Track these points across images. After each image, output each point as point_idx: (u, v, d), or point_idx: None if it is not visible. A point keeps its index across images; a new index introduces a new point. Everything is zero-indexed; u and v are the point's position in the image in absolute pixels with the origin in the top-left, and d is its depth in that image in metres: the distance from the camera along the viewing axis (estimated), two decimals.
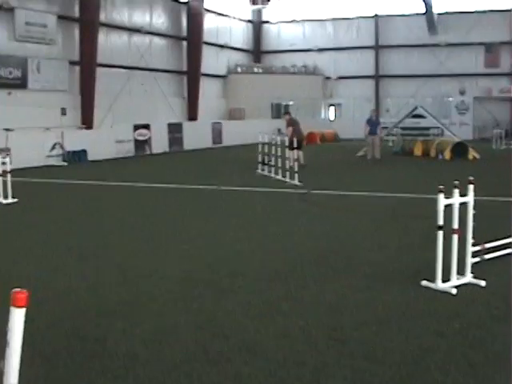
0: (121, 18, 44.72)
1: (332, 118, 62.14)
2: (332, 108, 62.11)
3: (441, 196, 8.87)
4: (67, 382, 6.22)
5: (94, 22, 39.47)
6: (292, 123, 28.47)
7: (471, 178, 9.27)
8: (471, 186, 9.29)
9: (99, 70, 40.60)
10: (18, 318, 3.42)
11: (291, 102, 58.02)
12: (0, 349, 3.61)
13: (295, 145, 26.18)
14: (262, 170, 25.66)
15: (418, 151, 34.56)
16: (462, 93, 54.74)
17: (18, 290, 3.44)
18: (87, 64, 39.79)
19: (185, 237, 13.53)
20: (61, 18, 38.84)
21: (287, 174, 23.02)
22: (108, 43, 43.32)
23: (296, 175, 22.22)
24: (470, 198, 9.33)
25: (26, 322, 3.55)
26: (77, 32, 40.18)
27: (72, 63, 39.78)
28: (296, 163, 23.58)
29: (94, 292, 9.31)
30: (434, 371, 6.33)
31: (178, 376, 6.29)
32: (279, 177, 23.56)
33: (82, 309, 8.48)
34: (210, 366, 6.50)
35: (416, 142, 35.47)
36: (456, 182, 9.09)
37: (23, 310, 3.45)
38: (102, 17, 41.48)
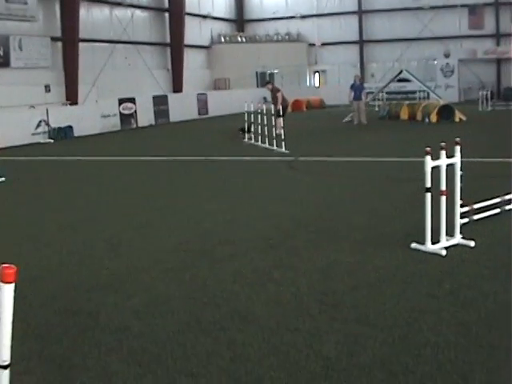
0: None
1: (317, 84, 61.99)
2: (317, 75, 61.97)
3: (428, 158, 8.87)
4: (61, 357, 6.22)
5: None
6: (278, 90, 28.48)
7: (457, 140, 9.27)
8: (458, 147, 9.29)
9: (82, 45, 40.39)
10: (7, 293, 3.41)
11: (276, 70, 57.92)
12: None
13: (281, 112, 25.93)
14: (249, 138, 25.61)
15: (404, 115, 34.52)
16: (447, 55, 54.61)
17: (6, 265, 3.43)
18: (69, 39, 39.56)
19: (175, 208, 13.53)
20: None
21: (274, 142, 22.97)
22: (89, 18, 43.05)
23: (283, 143, 22.18)
24: (456, 160, 9.34)
25: (17, 299, 3.55)
26: (58, 7, 39.91)
27: (54, 39, 39.52)
28: (282, 130, 23.56)
29: (86, 267, 9.31)
30: (426, 332, 6.37)
31: (172, 346, 6.31)
32: (266, 145, 23.52)
33: (74, 284, 8.48)
34: (204, 336, 6.53)
35: (402, 106, 35.43)
36: (442, 144, 9.09)
37: (12, 286, 3.44)
38: None
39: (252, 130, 24.81)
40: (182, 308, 7.34)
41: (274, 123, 24.18)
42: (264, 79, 56.69)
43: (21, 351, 6.02)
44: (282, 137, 22.47)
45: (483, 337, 6.21)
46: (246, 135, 25.74)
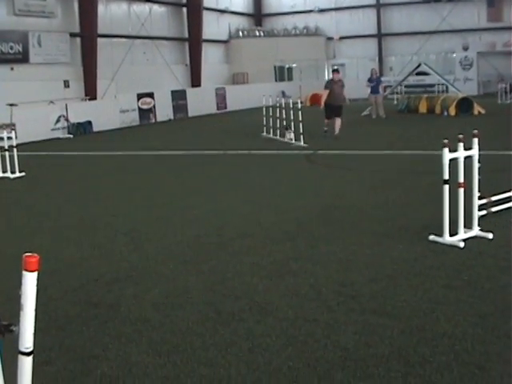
0: None
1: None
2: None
3: (445, 150, 8.89)
4: (81, 348, 6.31)
5: None
6: (329, 86, 25.00)
7: (475, 132, 9.28)
8: (475, 140, 9.30)
9: (100, 41, 40.45)
10: (30, 281, 3.48)
11: (294, 65, 57.85)
12: (14, 314, 3.67)
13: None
14: (268, 132, 25.62)
15: (423, 108, 34.43)
16: (466, 48, 54.34)
17: (29, 254, 3.50)
18: (88, 35, 39.62)
19: (193, 202, 13.59)
20: None
21: (293, 135, 22.98)
22: (108, 13, 43.12)
23: (302, 137, 22.19)
24: (474, 152, 9.34)
25: (39, 291, 3.61)
26: (76, 4, 39.93)
27: (73, 35, 39.57)
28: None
29: (106, 260, 9.41)
30: (444, 323, 6.41)
31: (191, 337, 6.38)
32: (285, 139, 23.53)
33: (95, 276, 8.57)
34: (223, 327, 6.59)
35: (421, 100, 35.31)
36: (460, 136, 9.10)
37: (35, 274, 3.50)
38: None
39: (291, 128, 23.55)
40: (200, 300, 7.41)
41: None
42: (282, 73, 56.81)
43: (42, 342, 6.09)
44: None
45: (500, 328, 6.24)
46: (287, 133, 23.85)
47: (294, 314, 6.84)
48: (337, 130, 23.98)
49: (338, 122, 24.19)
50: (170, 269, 8.72)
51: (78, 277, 8.62)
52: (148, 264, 9.05)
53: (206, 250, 9.58)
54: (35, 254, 3.50)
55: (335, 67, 26.53)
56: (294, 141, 22.64)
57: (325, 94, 24.60)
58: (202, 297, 7.50)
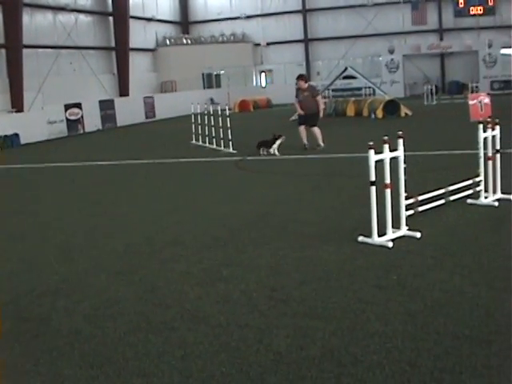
0: None
1: (264, 84, 62.12)
2: (263, 74, 62.11)
3: (371, 152, 9.00)
4: (14, 363, 6.22)
5: (17, 2, 38.87)
6: (297, 92, 22.46)
7: (400, 133, 9.41)
8: (401, 141, 9.42)
9: (25, 52, 40.04)
10: None
11: (222, 71, 58.01)
12: None
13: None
14: (197, 140, 25.59)
15: (350, 112, 34.81)
16: (391, 51, 55.15)
17: None
18: (13, 46, 39.19)
19: (122, 212, 13.51)
20: None
21: (221, 142, 22.98)
22: (33, 23, 42.73)
23: (230, 143, 22.22)
24: (400, 153, 9.46)
25: None
26: (0, 14, 39.43)
27: None
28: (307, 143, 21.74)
29: (36, 273, 9.28)
30: (374, 322, 6.48)
31: (123, 348, 6.33)
32: (214, 146, 23.53)
33: (25, 290, 8.44)
34: (155, 336, 6.56)
35: (348, 103, 35.71)
36: (385, 138, 9.22)
37: None
38: None
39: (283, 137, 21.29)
40: (132, 310, 7.36)
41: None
42: (211, 81, 56.87)
43: None
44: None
45: (430, 325, 6.33)
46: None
47: (225, 320, 6.84)
48: (320, 142, 21.57)
49: (316, 132, 21.83)
50: (100, 280, 8.64)
51: (8, 291, 8.48)
52: (78, 276, 8.95)
53: (136, 260, 9.52)
54: None
55: (300, 73, 24.48)
56: (223, 148, 22.60)
57: (297, 105, 22.31)
58: (133, 307, 7.45)
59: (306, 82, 22.47)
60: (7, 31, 39.28)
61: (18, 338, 6.80)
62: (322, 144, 21.51)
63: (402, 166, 9.51)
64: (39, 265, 9.73)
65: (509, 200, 11.32)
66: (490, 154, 11.18)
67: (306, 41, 60.31)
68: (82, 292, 8.21)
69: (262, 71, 61.75)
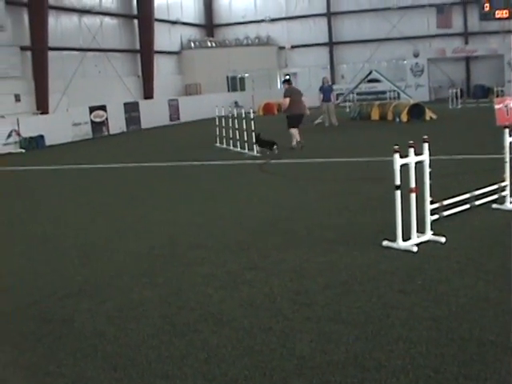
0: None
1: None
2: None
3: (396, 156, 8.96)
4: (36, 365, 6.23)
5: (43, 5, 38.97)
6: (290, 93, 23.84)
7: (425, 137, 9.36)
8: (426, 145, 9.38)
9: (51, 54, 40.17)
10: None
11: (246, 74, 58.00)
12: None
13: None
14: (221, 143, 25.61)
15: (375, 115, 34.68)
16: (416, 55, 54.91)
17: None
18: (39, 48, 39.33)
19: (146, 213, 13.52)
20: (9, 3, 38.07)
21: (246, 145, 22.99)
22: (58, 26, 42.89)
23: (255, 146, 22.22)
24: (425, 157, 9.42)
25: None
26: (26, 17, 39.66)
27: (23, 48, 39.22)
28: (296, 143, 23.25)
29: (59, 274, 9.30)
30: (399, 328, 6.44)
31: (147, 350, 6.33)
32: (238, 149, 23.54)
33: (48, 292, 8.47)
34: (178, 338, 6.56)
35: (373, 107, 35.57)
36: (411, 142, 9.18)
37: None
38: (51, 0, 40.93)
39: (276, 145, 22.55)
40: (155, 312, 7.36)
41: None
42: (235, 84, 56.90)
43: None
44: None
45: (454, 330, 6.29)
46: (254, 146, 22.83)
47: (249, 323, 6.82)
48: (299, 139, 23.34)
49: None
50: (124, 282, 8.66)
51: (31, 292, 8.52)
52: (101, 277, 8.97)
53: (159, 262, 9.52)
54: None
55: (287, 77, 25.68)
56: (247, 151, 22.63)
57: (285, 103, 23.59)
58: (156, 309, 7.46)
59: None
60: (33, 33, 39.44)
61: (42, 340, 6.82)
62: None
63: (427, 170, 9.46)
64: (62, 266, 9.76)
65: None
66: None
67: (331, 44, 60.20)
68: (106, 294, 8.22)
69: (287, 74, 61.66)
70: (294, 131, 23.39)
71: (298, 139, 23.27)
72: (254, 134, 22.20)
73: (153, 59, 51.36)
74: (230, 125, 24.67)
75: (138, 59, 51.32)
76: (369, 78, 39.99)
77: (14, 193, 18.23)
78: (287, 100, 23.48)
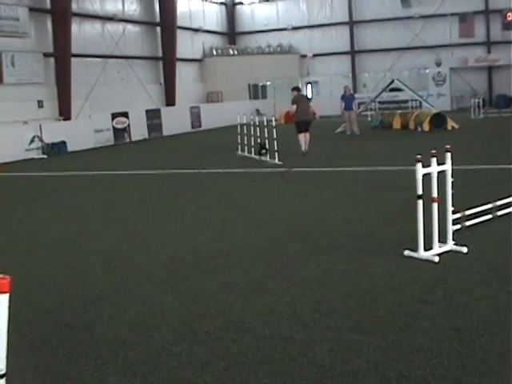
0: (93, 6, 44.36)
1: (310, 95, 62.02)
2: (309, 86, 62.03)
3: (419, 165, 8.94)
4: (57, 370, 6.26)
5: (66, 12, 39.23)
6: (296, 100, 24.83)
7: (448, 147, 9.34)
8: (448, 154, 9.36)
9: (74, 61, 40.38)
10: (1, 303, 3.45)
11: (268, 82, 58.05)
12: None
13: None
14: (242, 151, 25.63)
15: (396, 124, 34.61)
16: (438, 64, 54.75)
17: (1, 275, 3.47)
18: (61, 55, 39.57)
19: (167, 220, 13.55)
20: (32, 10, 38.42)
21: (267, 153, 23.01)
22: (81, 33, 43.12)
23: (276, 154, 22.23)
24: (447, 167, 9.39)
25: (13, 313, 3.58)
26: (49, 23, 39.93)
27: (46, 55, 39.50)
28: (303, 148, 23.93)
29: (81, 280, 9.34)
30: (420, 338, 6.42)
31: (167, 357, 6.34)
32: (259, 157, 23.54)
33: (70, 298, 8.50)
34: (199, 346, 6.56)
35: (394, 116, 35.51)
36: (433, 151, 9.16)
37: (6, 296, 3.47)
38: (74, 7, 41.17)
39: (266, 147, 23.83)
40: (176, 319, 7.38)
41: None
42: (257, 91, 56.94)
43: (17, 364, 6.03)
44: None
45: (476, 341, 6.26)
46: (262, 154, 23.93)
47: (270, 332, 6.82)
48: (307, 147, 24.28)
49: (307, 136, 24.52)
50: (145, 289, 8.68)
51: (53, 298, 8.56)
52: (123, 284, 9.00)
53: (181, 270, 9.54)
54: (6, 276, 3.48)
55: (294, 86, 26.61)
56: (269, 159, 22.66)
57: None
58: (177, 316, 7.47)
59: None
60: (56, 40, 39.68)
61: (62, 345, 6.85)
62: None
63: (449, 179, 9.44)
64: (84, 272, 9.80)
65: None
66: None
67: (353, 53, 60.12)
68: (127, 300, 8.24)
69: (309, 83, 61.64)
70: (301, 137, 24.34)
71: (302, 149, 24.10)
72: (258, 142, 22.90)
73: (175, 66, 51.51)
74: (252, 132, 24.67)
75: (160, 66, 51.49)
76: (391, 86, 39.93)
77: (37, 198, 18.30)
78: (294, 107, 24.58)
